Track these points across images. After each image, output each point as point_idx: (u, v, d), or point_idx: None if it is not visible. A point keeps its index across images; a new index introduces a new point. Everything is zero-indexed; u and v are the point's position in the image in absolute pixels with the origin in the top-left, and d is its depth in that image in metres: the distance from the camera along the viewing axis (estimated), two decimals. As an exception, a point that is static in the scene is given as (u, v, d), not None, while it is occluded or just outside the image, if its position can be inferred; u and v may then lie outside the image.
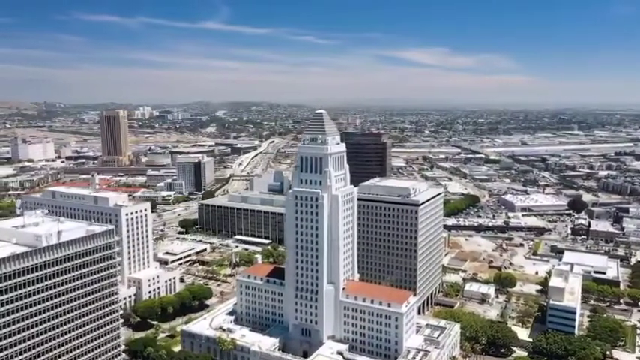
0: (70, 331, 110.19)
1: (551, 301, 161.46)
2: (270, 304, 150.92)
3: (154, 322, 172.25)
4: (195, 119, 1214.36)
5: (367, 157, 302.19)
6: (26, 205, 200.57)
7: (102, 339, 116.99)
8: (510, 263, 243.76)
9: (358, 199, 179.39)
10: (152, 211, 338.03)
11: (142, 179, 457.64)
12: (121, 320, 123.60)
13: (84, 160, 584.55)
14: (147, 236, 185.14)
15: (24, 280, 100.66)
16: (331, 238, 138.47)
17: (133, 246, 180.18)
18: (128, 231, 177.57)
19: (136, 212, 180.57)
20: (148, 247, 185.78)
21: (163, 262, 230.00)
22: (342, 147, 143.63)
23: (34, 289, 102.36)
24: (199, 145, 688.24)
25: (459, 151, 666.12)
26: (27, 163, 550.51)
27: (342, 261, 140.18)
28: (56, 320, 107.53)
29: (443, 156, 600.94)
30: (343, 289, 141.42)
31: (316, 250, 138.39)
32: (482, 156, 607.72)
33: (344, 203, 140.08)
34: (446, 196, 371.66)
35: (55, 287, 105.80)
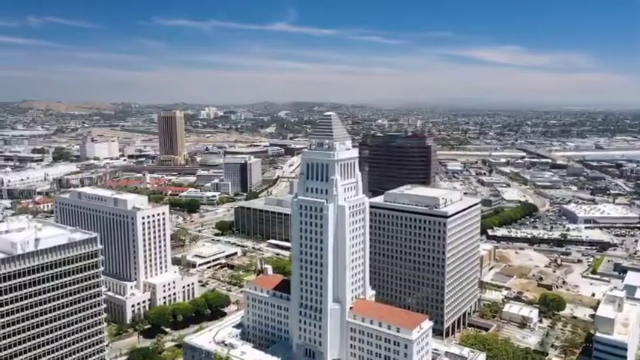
0: (48, 343, 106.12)
1: (597, 334, 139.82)
2: (277, 319, 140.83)
3: (167, 330, 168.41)
4: (257, 119, 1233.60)
5: (410, 162, 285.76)
6: (59, 204, 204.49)
7: (84, 352, 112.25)
8: (563, 282, 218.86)
9: (383, 208, 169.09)
10: (194, 212, 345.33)
11: (192, 179, 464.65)
12: (106, 333, 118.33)
13: (143, 159, 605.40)
14: (164, 240, 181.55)
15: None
16: (337, 252, 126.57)
17: (150, 250, 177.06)
18: (144, 234, 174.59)
19: (153, 215, 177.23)
20: (165, 251, 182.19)
21: (191, 265, 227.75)
22: (353, 153, 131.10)
23: (7, 299, 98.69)
24: (255, 145, 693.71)
25: (524, 154, 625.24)
26: (92, 161, 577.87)
27: (348, 278, 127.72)
28: (33, 331, 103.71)
29: (504, 160, 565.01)
30: (351, 308, 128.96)
31: (321, 264, 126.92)
32: (549, 160, 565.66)
33: (352, 215, 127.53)
34: (499, 204, 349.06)
35: (30, 297, 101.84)
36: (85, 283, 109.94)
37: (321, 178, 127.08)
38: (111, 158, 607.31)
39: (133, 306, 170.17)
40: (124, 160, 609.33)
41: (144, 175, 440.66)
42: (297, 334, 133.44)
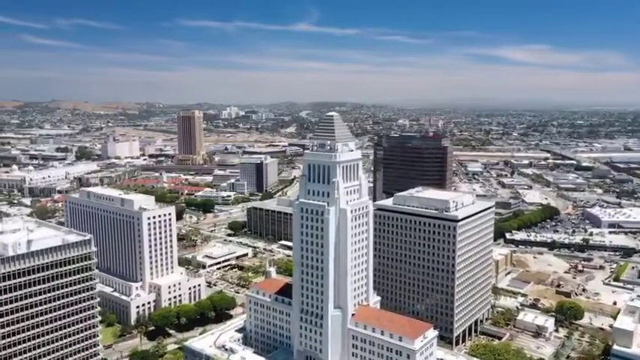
0: (40, 346, 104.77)
1: (615, 346, 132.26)
2: (279, 324, 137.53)
3: (172, 332, 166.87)
4: (278, 119, 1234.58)
5: (426, 163, 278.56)
6: (69, 203, 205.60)
7: (77, 356, 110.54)
8: (584, 289, 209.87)
9: (391, 211, 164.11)
10: (209, 212, 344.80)
11: (209, 178, 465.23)
12: (100, 337, 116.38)
13: (163, 158, 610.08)
14: (170, 241, 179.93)
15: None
16: (338, 257, 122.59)
17: (155, 251, 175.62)
18: (150, 235, 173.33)
19: (159, 216, 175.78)
20: (171, 252, 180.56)
21: (201, 266, 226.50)
22: (356, 154, 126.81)
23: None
24: (274, 145, 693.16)
25: (548, 155, 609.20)
26: (113, 160, 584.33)
27: (350, 284, 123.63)
28: (25, 334, 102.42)
29: (527, 161, 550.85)
30: (353, 315, 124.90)
31: (322, 269, 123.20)
32: (574, 162, 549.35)
33: (354, 218, 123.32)
34: (519, 206, 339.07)
35: (22, 299, 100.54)
36: (79, 286, 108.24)
37: (323, 180, 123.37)
38: (131, 157, 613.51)
39: (137, 307, 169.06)
40: (144, 159, 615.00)
41: (160, 174, 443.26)
42: (297, 340, 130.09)
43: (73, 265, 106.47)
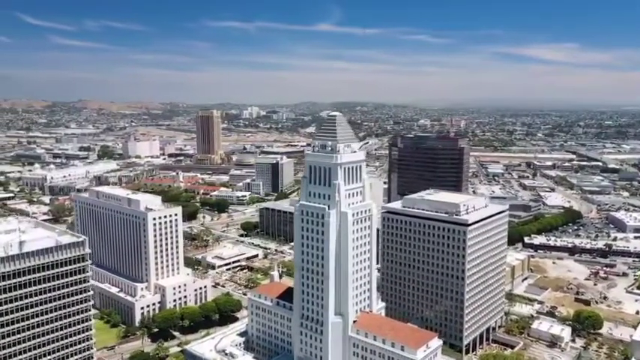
0: (32, 349, 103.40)
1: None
2: (280, 329, 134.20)
3: (176, 334, 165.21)
4: (298, 119, 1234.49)
5: (442, 164, 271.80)
6: (78, 202, 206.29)
7: (71, 359, 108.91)
8: (604, 297, 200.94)
9: (399, 214, 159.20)
10: (224, 211, 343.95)
11: (226, 178, 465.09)
12: (94, 340, 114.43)
13: (182, 157, 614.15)
14: (176, 242, 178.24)
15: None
16: (339, 261, 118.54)
17: (161, 251, 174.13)
18: (155, 236, 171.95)
19: (165, 217, 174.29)
20: (177, 253, 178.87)
21: (210, 267, 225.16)
22: (359, 156, 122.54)
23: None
24: (292, 145, 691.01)
25: (573, 157, 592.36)
26: (134, 159, 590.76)
27: (351, 290, 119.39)
28: (16, 336, 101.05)
29: (550, 162, 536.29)
30: (354, 322, 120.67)
31: (322, 274, 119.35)
32: (599, 163, 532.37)
33: (356, 222, 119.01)
34: (539, 209, 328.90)
35: (12, 301, 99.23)
36: (72, 288, 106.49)
37: (324, 182, 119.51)
38: (151, 156, 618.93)
39: (142, 308, 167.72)
40: (164, 158, 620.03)
41: (177, 174, 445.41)
42: (298, 346, 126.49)
43: (66, 267, 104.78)
